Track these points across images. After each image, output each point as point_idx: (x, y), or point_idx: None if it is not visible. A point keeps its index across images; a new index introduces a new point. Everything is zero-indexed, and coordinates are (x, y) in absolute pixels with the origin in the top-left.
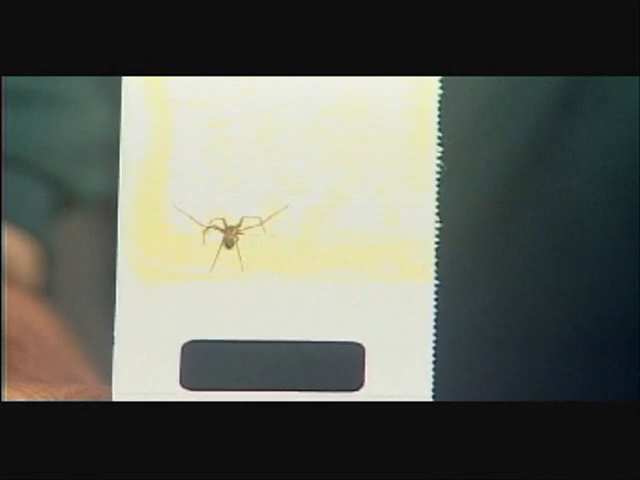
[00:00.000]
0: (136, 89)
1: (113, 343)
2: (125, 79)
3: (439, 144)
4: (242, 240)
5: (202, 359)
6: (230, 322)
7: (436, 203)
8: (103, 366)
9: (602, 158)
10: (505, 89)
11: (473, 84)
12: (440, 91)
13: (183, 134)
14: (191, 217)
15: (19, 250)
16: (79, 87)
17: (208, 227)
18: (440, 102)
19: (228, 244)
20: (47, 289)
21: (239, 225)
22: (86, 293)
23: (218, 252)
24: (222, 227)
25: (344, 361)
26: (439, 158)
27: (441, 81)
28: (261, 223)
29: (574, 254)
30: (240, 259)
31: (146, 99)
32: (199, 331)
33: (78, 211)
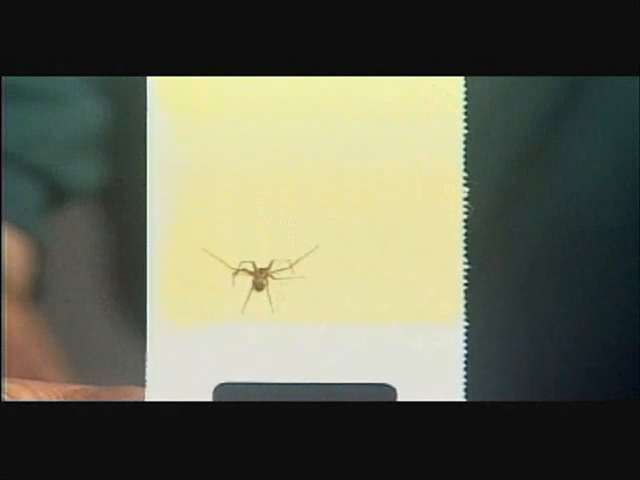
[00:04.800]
0: (169, 128)
1: (145, 385)
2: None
3: (465, 185)
4: (272, 283)
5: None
6: (261, 365)
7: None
8: (98, 362)
9: (601, 158)
10: (504, 89)
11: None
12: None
13: (212, 180)
14: (221, 260)
15: (11, 247)
16: (67, 82)
17: (238, 270)
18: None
19: (258, 287)
20: (39, 285)
21: (269, 268)
22: (80, 288)
23: (249, 295)
24: (252, 270)
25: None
26: (466, 199)
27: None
28: (290, 266)
29: (581, 257)
30: (270, 302)
31: (181, 143)
32: (230, 374)
33: (70, 206)
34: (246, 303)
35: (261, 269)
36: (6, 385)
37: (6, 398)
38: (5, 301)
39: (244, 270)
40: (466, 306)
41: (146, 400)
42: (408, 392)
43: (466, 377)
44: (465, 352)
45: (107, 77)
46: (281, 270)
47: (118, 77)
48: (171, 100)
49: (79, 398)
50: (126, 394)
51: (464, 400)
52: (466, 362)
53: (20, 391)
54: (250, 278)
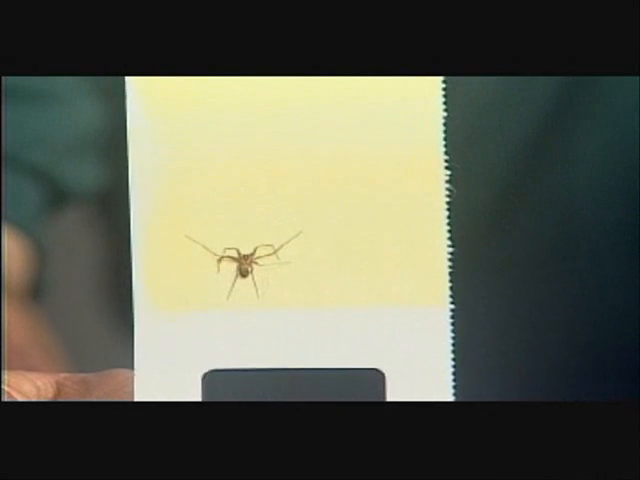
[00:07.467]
0: (147, 118)
1: (133, 374)
2: (130, 109)
3: (446, 167)
4: (257, 269)
5: (222, 388)
6: (249, 350)
7: (447, 227)
8: (97, 361)
9: (602, 157)
10: (504, 89)
11: (467, 85)
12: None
13: (195, 167)
14: (205, 247)
15: (10, 247)
16: (66, 82)
17: (222, 257)
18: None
19: (243, 273)
20: (39, 285)
21: (253, 254)
22: (79, 288)
23: (234, 281)
24: (236, 256)
25: (365, 388)
26: (447, 182)
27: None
28: (275, 251)
29: (575, 253)
30: (256, 288)
31: (160, 132)
32: (218, 360)
33: (69, 206)
34: (232, 289)
35: (245, 255)
36: (6, 377)
37: (6, 390)
38: (5, 301)
39: (228, 257)
40: (452, 289)
41: (136, 389)
42: (397, 376)
43: (454, 360)
44: (452, 335)
45: (107, 77)
46: (265, 256)
47: (118, 77)
48: (151, 96)
49: (69, 384)
50: (115, 378)
51: (453, 390)
52: (454, 345)
53: (20, 382)
54: (235, 265)
